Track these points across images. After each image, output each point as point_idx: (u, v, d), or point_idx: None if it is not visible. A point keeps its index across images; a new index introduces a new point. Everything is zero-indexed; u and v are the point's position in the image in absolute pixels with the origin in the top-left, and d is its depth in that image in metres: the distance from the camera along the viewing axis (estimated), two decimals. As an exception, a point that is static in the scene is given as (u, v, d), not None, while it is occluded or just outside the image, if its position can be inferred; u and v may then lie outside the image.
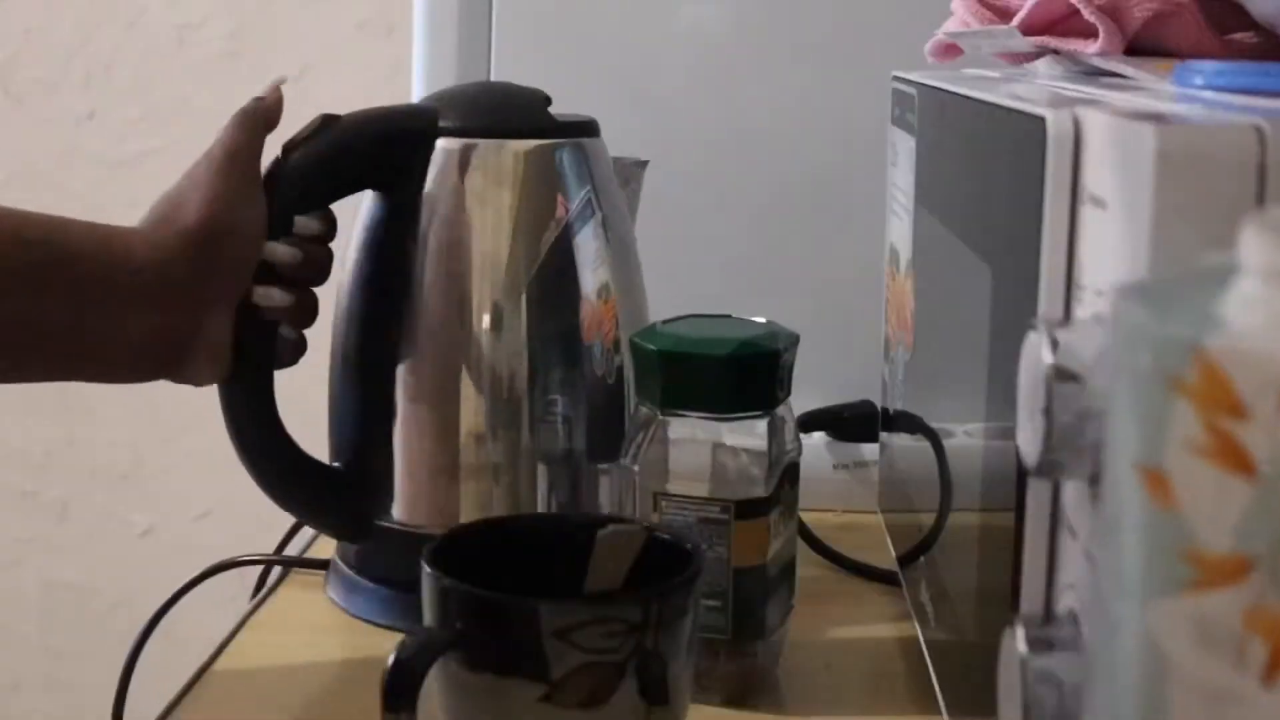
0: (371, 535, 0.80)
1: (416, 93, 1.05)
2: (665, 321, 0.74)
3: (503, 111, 0.81)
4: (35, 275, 0.68)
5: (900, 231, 0.78)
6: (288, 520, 0.89)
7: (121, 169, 1.74)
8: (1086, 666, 0.40)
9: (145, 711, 0.73)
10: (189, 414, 1.51)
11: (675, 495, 0.69)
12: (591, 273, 0.80)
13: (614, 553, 0.61)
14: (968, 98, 0.58)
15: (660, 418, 0.70)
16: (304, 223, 0.75)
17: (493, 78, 1.04)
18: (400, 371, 0.78)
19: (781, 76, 1.03)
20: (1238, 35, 0.63)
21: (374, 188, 0.80)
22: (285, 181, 0.76)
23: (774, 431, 0.70)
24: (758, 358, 0.70)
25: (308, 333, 0.78)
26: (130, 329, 0.71)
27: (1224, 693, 0.29)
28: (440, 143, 0.79)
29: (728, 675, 0.70)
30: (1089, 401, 0.38)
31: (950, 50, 0.75)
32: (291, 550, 0.91)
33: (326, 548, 0.85)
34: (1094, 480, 0.39)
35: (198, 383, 0.74)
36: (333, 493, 0.80)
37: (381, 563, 0.80)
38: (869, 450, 0.93)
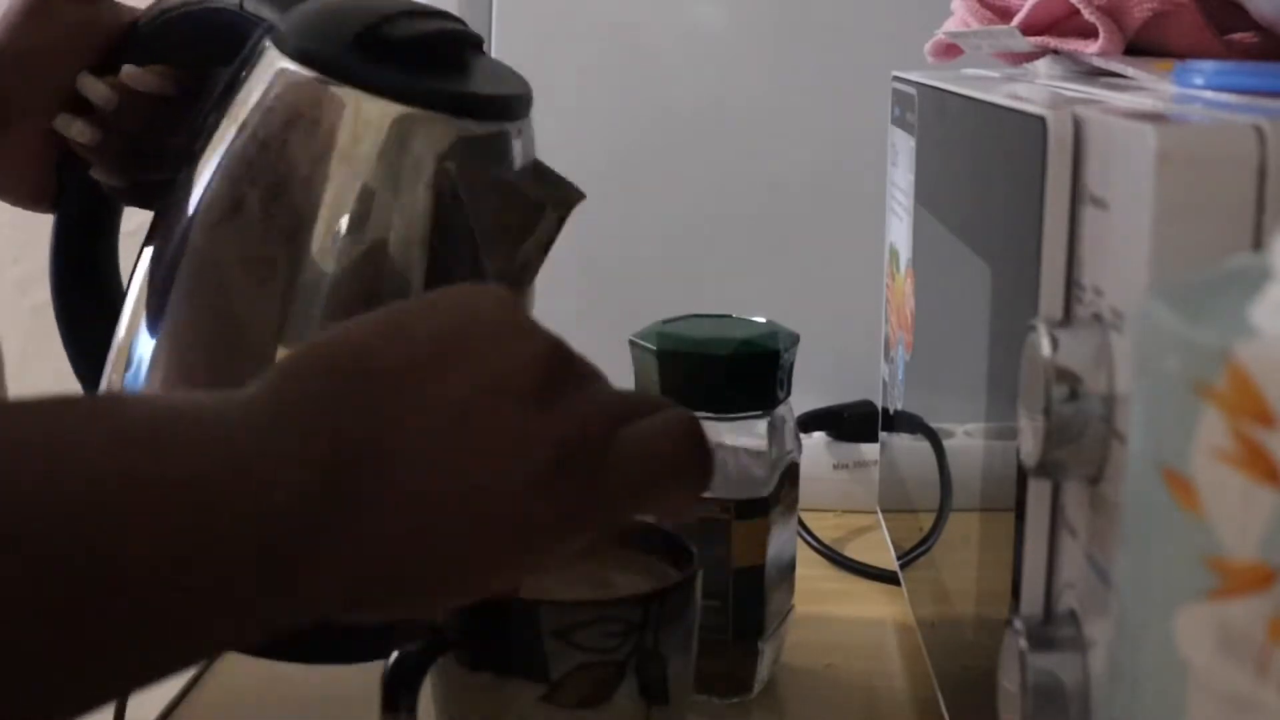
0: None
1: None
2: (665, 321, 0.74)
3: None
4: None
5: (900, 231, 0.78)
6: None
7: (121, 169, 1.74)
8: (1087, 667, 0.40)
9: (146, 711, 0.73)
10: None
11: (675, 495, 0.69)
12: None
13: None
14: (968, 98, 0.58)
15: (660, 418, 0.70)
16: (133, 73, 0.69)
17: (493, 78, 1.03)
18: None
19: (781, 76, 1.03)
20: (1238, 35, 0.63)
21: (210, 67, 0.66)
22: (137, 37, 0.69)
23: (774, 431, 0.70)
24: (758, 358, 0.70)
25: None
26: None
27: (1245, 701, 0.29)
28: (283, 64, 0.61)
29: (728, 675, 0.70)
30: (1089, 401, 0.38)
31: (950, 50, 0.75)
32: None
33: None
34: (1094, 480, 0.39)
35: (14, 203, 0.73)
36: None
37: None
38: (869, 450, 0.93)
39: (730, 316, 0.75)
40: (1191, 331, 0.30)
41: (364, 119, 0.60)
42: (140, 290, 0.66)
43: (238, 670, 0.75)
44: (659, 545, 0.62)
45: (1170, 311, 0.30)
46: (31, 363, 1.93)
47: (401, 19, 0.61)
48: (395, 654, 0.55)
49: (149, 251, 0.67)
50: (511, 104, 0.63)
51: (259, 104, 0.62)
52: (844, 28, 1.02)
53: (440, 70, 0.62)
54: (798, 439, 0.73)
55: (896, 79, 0.81)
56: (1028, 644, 0.41)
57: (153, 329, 0.65)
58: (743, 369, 0.70)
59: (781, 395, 0.71)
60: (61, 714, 0.39)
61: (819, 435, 0.96)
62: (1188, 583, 0.30)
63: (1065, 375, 0.38)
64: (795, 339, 0.72)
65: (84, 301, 0.74)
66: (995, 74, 0.72)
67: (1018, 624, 0.42)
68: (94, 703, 0.40)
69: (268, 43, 0.62)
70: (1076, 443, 0.38)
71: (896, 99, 0.81)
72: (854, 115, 0.99)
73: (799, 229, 1.03)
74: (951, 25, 0.73)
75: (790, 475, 0.72)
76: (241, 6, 0.65)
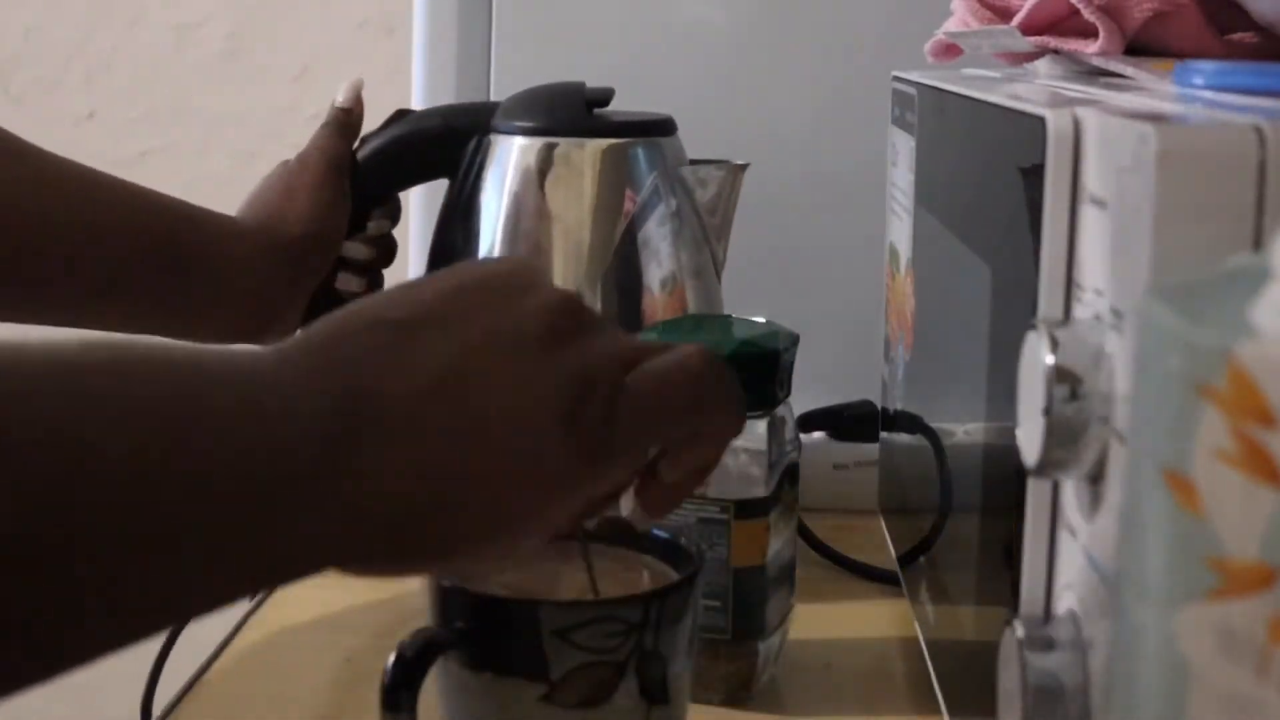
0: None
1: (416, 92, 1.05)
2: (665, 321, 0.74)
3: (578, 110, 0.86)
4: (161, 257, 0.76)
5: (900, 231, 0.78)
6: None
7: (121, 169, 1.73)
8: (1087, 667, 0.40)
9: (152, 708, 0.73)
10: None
11: (675, 495, 0.69)
12: (656, 265, 0.83)
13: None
14: (968, 98, 0.58)
15: (660, 418, 0.70)
16: (377, 224, 0.85)
17: (492, 78, 1.04)
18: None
19: (781, 76, 1.03)
20: (1238, 35, 0.63)
21: (440, 177, 0.87)
22: (361, 176, 0.84)
23: (774, 431, 0.70)
24: (758, 358, 0.70)
25: None
26: (223, 311, 0.78)
27: (1245, 702, 0.29)
28: (520, 141, 0.84)
29: (728, 675, 0.70)
30: (1089, 401, 0.38)
31: (950, 50, 0.75)
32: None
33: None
34: (1094, 480, 0.39)
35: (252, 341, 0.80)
36: None
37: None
38: (869, 450, 0.93)
39: (730, 316, 0.75)
40: (1192, 331, 0.30)
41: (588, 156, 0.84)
42: None
43: (238, 670, 0.75)
44: (659, 545, 0.62)
45: (1170, 311, 0.30)
46: (31, 363, 1.93)
47: (590, 91, 0.86)
48: (395, 654, 0.55)
49: None
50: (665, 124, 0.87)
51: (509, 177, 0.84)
52: (844, 28, 1.02)
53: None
54: (798, 439, 0.73)
55: (896, 79, 0.81)
56: (1027, 644, 0.41)
57: None
58: (743, 369, 0.69)
59: (781, 395, 0.71)
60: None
61: (819, 435, 0.96)
62: (1188, 583, 0.30)
63: (1065, 375, 0.38)
64: (795, 339, 0.72)
65: None
66: (995, 74, 0.72)
67: (1017, 624, 0.42)
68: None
69: (492, 138, 0.85)
70: (1076, 443, 0.38)
71: (896, 99, 0.81)
72: (854, 115, 0.99)
73: (799, 229, 1.03)
74: (951, 25, 0.73)
75: (790, 475, 0.72)
76: (445, 119, 0.86)
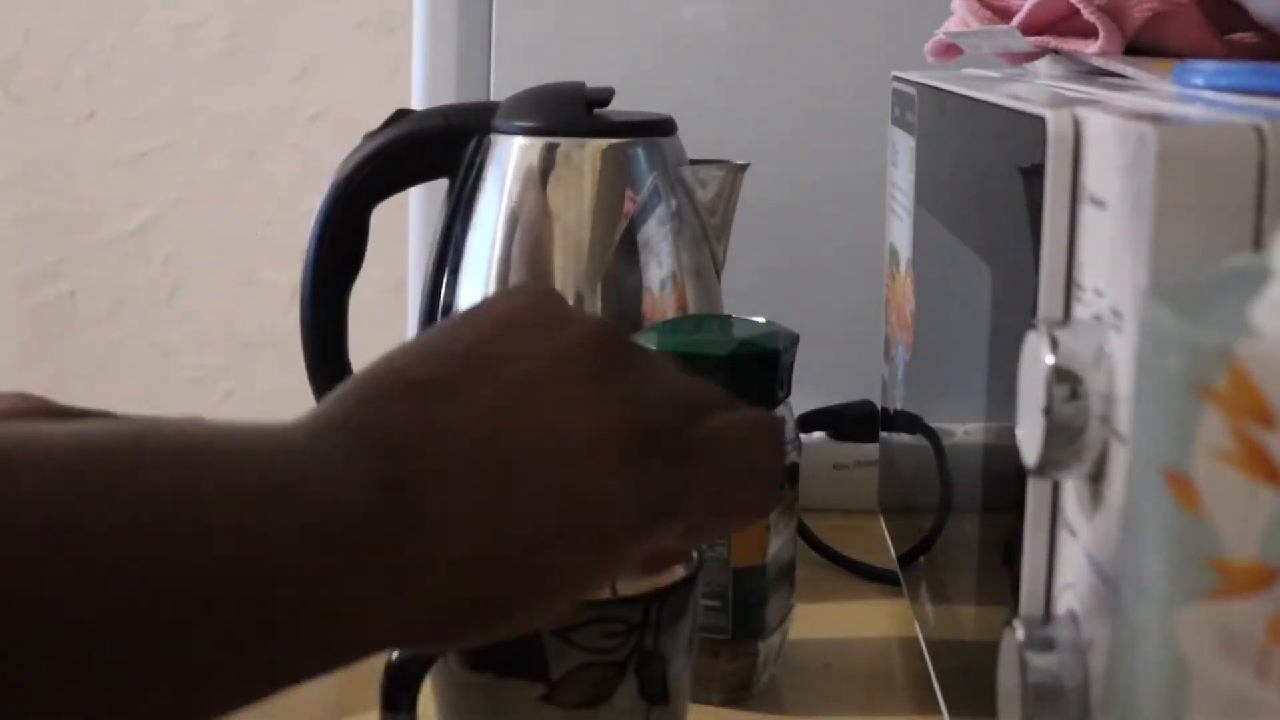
0: None
1: (416, 92, 1.05)
2: (665, 321, 0.74)
3: (578, 110, 0.86)
4: None
5: (900, 231, 0.78)
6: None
7: (121, 169, 1.74)
8: (1087, 667, 0.40)
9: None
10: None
11: (675, 495, 0.69)
12: (656, 265, 0.84)
13: None
14: (968, 98, 0.58)
15: (660, 418, 0.70)
16: None
17: (492, 78, 1.04)
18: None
19: (781, 77, 1.03)
20: (1238, 35, 0.63)
21: (440, 177, 0.87)
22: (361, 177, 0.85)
23: (774, 431, 0.70)
24: (758, 358, 0.70)
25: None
26: None
27: (1246, 702, 0.29)
28: (520, 141, 0.84)
29: (728, 675, 0.70)
30: (1089, 401, 0.38)
31: (950, 50, 0.75)
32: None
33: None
34: (1094, 480, 0.39)
35: None
36: None
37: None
38: (869, 450, 0.93)
39: (730, 316, 0.75)
40: (1192, 331, 0.30)
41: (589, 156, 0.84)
42: None
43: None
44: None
45: (1170, 311, 0.30)
46: (31, 363, 1.93)
47: (590, 91, 0.86)
48: (395, 654, 0.55)
49: None
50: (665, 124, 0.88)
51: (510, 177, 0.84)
52: (844, 28, 1.02)
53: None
54: (798, 439, 0.73)
55: (896, 79, 0.81)
56: (1027, 644, 0.41)
57: None
58: (743, 369, 0.70)
59: (781, 395, 0.71)
60: None
61: (819, 435, 0.96)
62: (1188, 583, 0.30)
63: (1065, 375, 0.38)
64: (795, 339, 0.72)
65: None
66: (995, 74, 0.72)
67: (1017, 624, 0.42)
68: None
69: (492, 137, 0.85)
70: (1076, 443, 0.38)
71: (896, 99, 0.81)
72: (854, 115, 0.99)
73: (799, 229, 1.03)
74: (951, 25, 0.73)
75: (790, 475, 0.72)
76: (446, 119, 0.86)
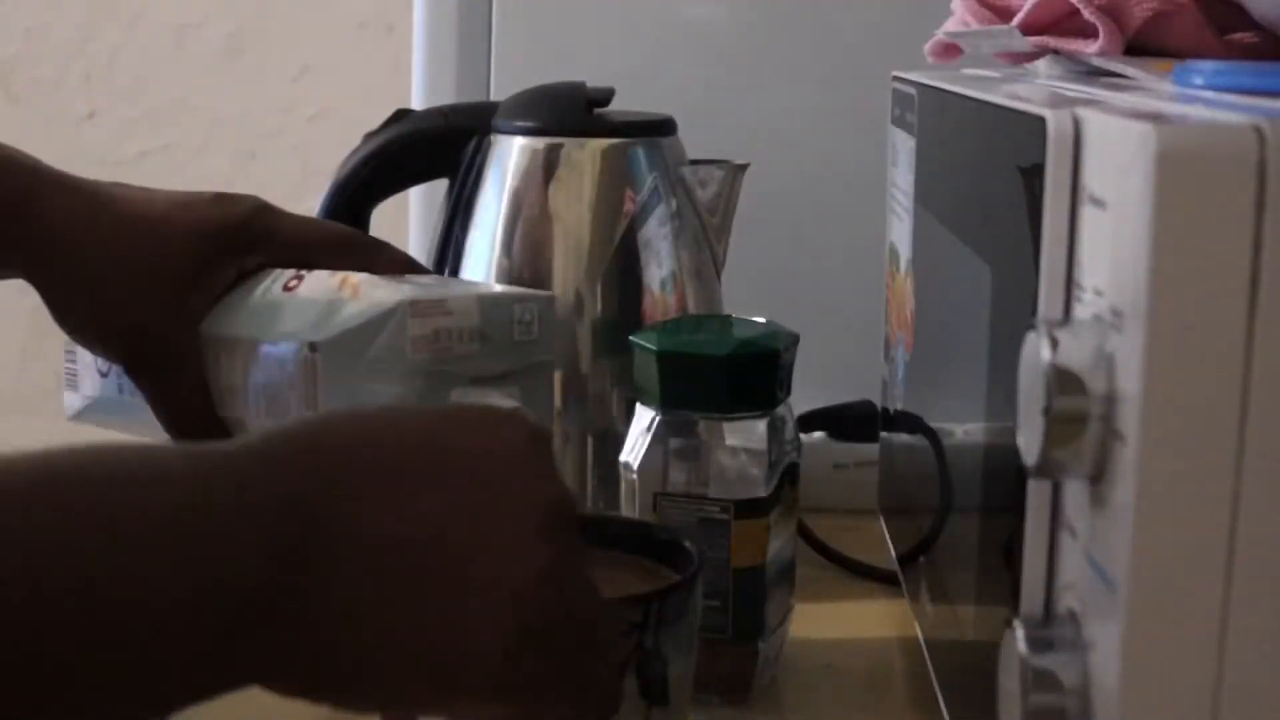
0: None
1: (416, 92, 1.05)
2: (665, 321, 0.74)
3: (578, 110, 0.86)
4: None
5: (900, 231, 0.78)
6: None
7: (121, 169, 1.74)
8: (1087, 667, 0.40)
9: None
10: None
11: (675, 495, 0.69)
12: (656, 265, 0.84)
13: None
14: (968, 98, 0.58)
15: (660, 418, 0.70)
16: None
17: (492, 78, 1.04)
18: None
19: (781, 77, 1.03)
20: (1238, 35, 0.63)
21: (440, 177, 0.87)
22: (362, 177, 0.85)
23: (774, 431, 0.70)
24: (758, 358, 0.70)
25: None
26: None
27: None
28: (520, 140, 0.84)
29: (728, 675, 0.70)
30: (1089, 401, 0.38)
31: (950, 50, 0.75)
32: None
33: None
34: (1094, 480, 0.39)
35: None
36: None
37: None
38: (869, 450, 0.93)
39: (730, 316, 0.75)
40: None
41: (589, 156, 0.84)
42: None
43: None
44: (659, 545, 0.62)
45: None
46: (32, 363, 1.93)
47: (590, 91, 0.86)
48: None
49: None
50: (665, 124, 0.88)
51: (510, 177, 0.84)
52: (844, 28, 1.02)
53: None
54: (798, 439, 0.73)
55: (896, 79, 0.81)
56: (1027, 644, 0.41)
57: None
58: (742, 369, 0.70)
59: (781, 395, 0.71)
60: None
61: (819, 435, 0.96)
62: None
63: (1065, 375, 0.38)
64: (795, 339, 0.72)
65: None
66: (995, 74, 0.72)
67: (1017, 624, 0.42)
68: None
69: (492, 137, 0.85)
70: (1076, 443, 0.38)
71: (896, 99, 0.81)
72: (854, 115, 0.99)
73: (799, 229, 1.03)
74: (951, 25, 0.73)
75: (790, 475, 0.72)
76: (446, 119, 0.87)
